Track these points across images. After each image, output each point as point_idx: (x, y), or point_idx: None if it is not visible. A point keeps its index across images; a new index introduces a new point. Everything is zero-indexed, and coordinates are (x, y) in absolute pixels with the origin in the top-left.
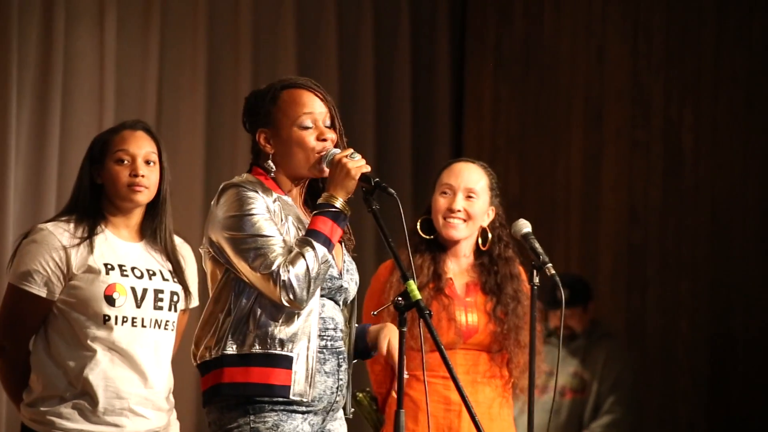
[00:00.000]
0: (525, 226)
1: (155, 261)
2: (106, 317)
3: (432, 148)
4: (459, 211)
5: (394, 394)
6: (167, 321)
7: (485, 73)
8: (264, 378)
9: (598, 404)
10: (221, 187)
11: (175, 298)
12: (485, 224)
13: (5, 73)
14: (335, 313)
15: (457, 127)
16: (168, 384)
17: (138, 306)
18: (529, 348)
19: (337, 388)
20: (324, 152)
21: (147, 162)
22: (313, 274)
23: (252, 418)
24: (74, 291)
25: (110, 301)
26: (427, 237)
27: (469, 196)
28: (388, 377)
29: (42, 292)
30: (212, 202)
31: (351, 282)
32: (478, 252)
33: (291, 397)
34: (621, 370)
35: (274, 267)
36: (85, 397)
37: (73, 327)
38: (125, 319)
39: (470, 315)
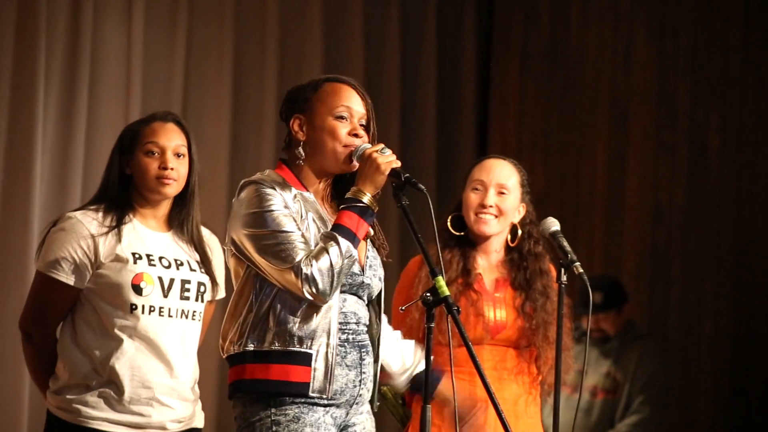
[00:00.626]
0: (553, 224)
1: (183, 251)
2: (133, 306)
3: (457, 147)
4: (491, 206)
5: None
6: (194, 311)
7: (511, 71)
8: (283, 375)
9: (628, 404)
10: (241, 184)
11: (202, 288)
12: (516, 221)
13: (33, 63)
14: (358, 308)
15: (482, 126)
16: (194, 374)
17: (165, 296)
18: (556, 345)
19: (360, 381)
20: (352, 148)
21: (177, 154)
22: (336, 268)
23: (273, 411)
24: (101, 279)
25: (137, 290)
26: (458, 233)
27: (501, 192)
28: None
29: (70, 280)
30: (233, 200)
31: (374, 278)
32: (507, 248)
33: (310, 393)
34: (653, 371)
35: (296, 261)
36: (111, 386)
37: (100, 316)
38: (152, 309)
39: (498, 311)
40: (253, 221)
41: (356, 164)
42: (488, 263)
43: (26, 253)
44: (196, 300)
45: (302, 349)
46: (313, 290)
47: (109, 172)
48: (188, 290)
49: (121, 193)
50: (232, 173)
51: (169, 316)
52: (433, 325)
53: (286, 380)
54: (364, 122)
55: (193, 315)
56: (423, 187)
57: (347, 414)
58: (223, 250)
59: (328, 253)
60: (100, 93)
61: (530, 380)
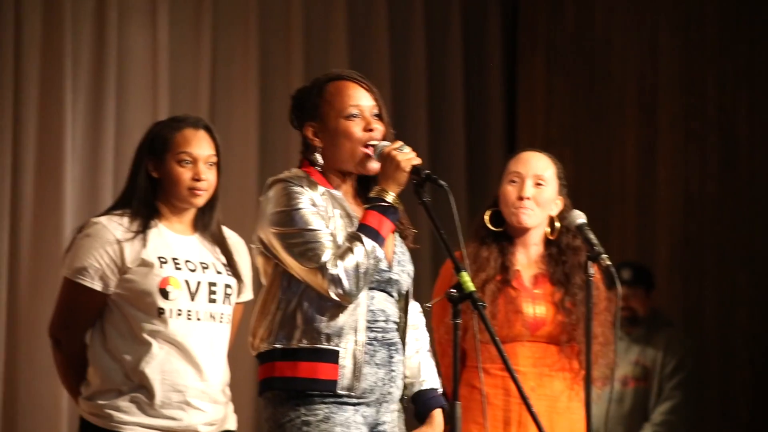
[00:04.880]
0: (579, 216)
1: (208, 254)
2: (161, 310)
3: (485, 141)
4: (528, 198)
5: (464, 387)
6: (221, 314)
7: (537, 65)
8: (311, 373)
9: (660, 391)
10: (268, 182)
11: (229, 290)
12: (554, 213)
13: (60, 69)
14: (387, 305)
15: (510, 120)
16: (224, 377)
17: (192, 299)
18: (585, 338)
19: (390, 379)
20: (370, 141)
21: (208, 164)
22: (362, 269)
23: (303, 411)
24: (128, 284)
25: (164, 294)
26: (496, 229)
27: (538, 184)
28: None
29: (97, 286)
30: (260, 198)
31: (402, 273)
32: (546, 242)
33: (338, 391)
34: (682, 356)
35: (322, 261)
36: (142, 391)
37: (129, 320)
38: (180, 312)
39: (538, 307)
40: (280, 219)
41: (375, 167)
42: (527, 259)
43: (58, 259)
44: (224, 302)
45: (330, 347)
46: (339, 290)
47: (134, 174)
48: (215, 293)
49: (147, 197)
50: (261, 176)
51: (197, 319)
52: (459, 321)
53: (314, 378)
54: (376, 112)
55: (221, 317)
56: (444, 183)
57: (377, 412)
58: (251, 249)
59: (353, 253)
60: (128, 97)
61: (572, 376)
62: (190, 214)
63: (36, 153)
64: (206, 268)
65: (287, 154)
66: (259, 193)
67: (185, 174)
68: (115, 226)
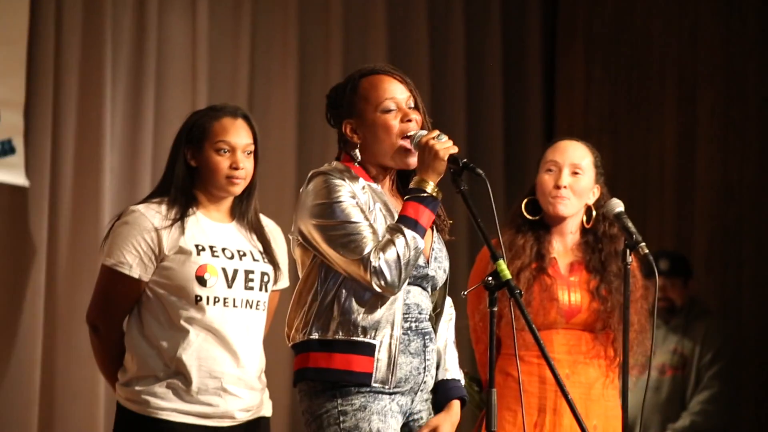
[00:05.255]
0: (618, 205)
1: (246, 242)
2: (198, 298)
3: (523, 130)
4: (565, 187)
5: (498, 374)
6: (258, 301)
7: (576, 55)
8: (346, 365)
9: (698, 380)
10: (309, 175)
11: (266, 278)
12: (590, 202)
13: (100, 58)
14: (422, 299)
15: (548, 108)
16: (260, 364)
17: (229, 286)
18: (623, 326)
19: (424, 368)
20: (409, 132)
21: (246, 152)
22: (404, 260)
23: (339, 401)
24: (166, 272)
25: (202, 281)
26: (532, 218)
27: (575, 173)
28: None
29: (135, 273)
30: (300, 190)
31: (439, 270)
32: (583, 231)
33: (372, 384)
34: (720, 345)
35: (365, 253)
36: (179, 377)
37: (166, 308)
38: (217, 300)
39: (573, 294)
40: (321, 212)
41: (413, 161)
42: (563, 247)
43: (96, 247)
44: (260, 290)
45: (366, 340)
46: (382, 282)
47: (173, 163)
48: (252, 280)
49: (185, 185)
50: (300, 165)
51: (234, 306)
52: (495, 309)
53: (348, 369)
54: (411, 103)
55: (258, 305)
56: (481, 171)
57: (412, 401)
58: (288, 240)
59: (394, 244)
60: (167, 86)
61: (607, 363)
62: (227, 202)
63: (75, 142)
64: (243, 255)
65: (325, 142)
66: (297, 181)
67: (223, 162)
68: (153, 214)
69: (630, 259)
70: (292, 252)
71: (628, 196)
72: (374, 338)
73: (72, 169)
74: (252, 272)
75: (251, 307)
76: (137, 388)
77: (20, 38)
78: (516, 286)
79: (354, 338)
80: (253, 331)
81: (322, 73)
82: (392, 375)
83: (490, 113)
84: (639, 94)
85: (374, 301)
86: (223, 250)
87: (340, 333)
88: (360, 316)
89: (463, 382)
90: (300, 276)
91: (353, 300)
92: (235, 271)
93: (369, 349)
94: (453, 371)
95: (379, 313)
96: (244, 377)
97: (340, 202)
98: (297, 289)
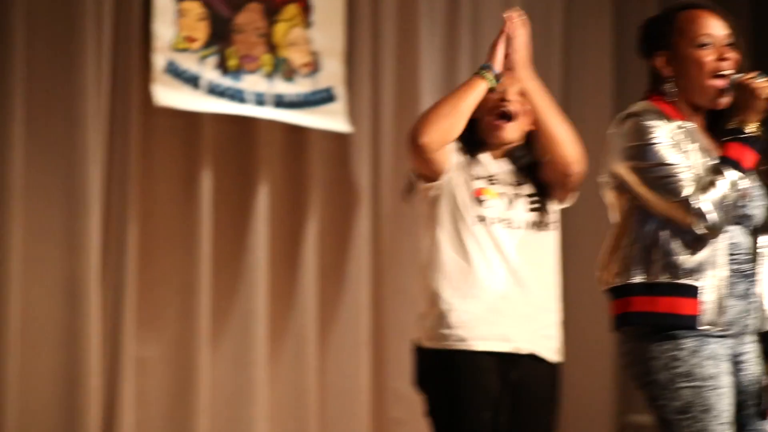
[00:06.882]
0: None
1: (520, 179)
2: (480, 218)
3: None
4: None
5: None
6: (541, 222)
7: None
8: (671, 308)
9: None
10: (619, 117)
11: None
12: None
13: (415, 6)
14: (742, 239)
15: None
16: (550, 287)
17: (510, 208)
18: None
19: (748, 312)
20: (722, 71)
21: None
22: (727, 201)
23: (668, 346)
24: (448, 187)
25: (479, 202)
26: None
27: None
28: None
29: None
30: (608, 132)
31: (756, 209)
32: None
33: (699, 327)
34: None
35: (685, 194)
36: (472, 302)
37: (453, 230)
38: (499, 220)
39: None
40: (636, 154)
41: (725, 101)
42: None
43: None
44: (542, 211)
45: (690, 282)
46: (705, 224)
47: None
48: (534, 203)
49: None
50: (616, 103)
51: (517, 227)
52: None
53: (675, 313)
54: (729, 42)
55: (541, 225)
56: None
57: (737, 345)
58: (598, 184)
59: (715, 186)
60: (482, 33)
61: None
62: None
63: (394, 88)
64: (521, 185)
65: (641, 83)
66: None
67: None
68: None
69: None
70: (604, 196)
71: None
72: (698, 280)
73: (392, 115)
74: (533, 195)
75: (536, 227)
76: (430, 324)
77: None
78: None
79: (678, 281)
80: (541, 253)
81: (637, 11)
82: (720, 316)
83: None
84: None
85: (696, 242)
86: (501, 180)
87: (663, 276)
88: (682, 257)
89: None
90: (613, 220)
91: (674, 242)
92: (516, 195)
93: (693, 292)
94: None
95: (703, 255)
96: (533, 302)
97: (656, 143)
98: (612, 233)
